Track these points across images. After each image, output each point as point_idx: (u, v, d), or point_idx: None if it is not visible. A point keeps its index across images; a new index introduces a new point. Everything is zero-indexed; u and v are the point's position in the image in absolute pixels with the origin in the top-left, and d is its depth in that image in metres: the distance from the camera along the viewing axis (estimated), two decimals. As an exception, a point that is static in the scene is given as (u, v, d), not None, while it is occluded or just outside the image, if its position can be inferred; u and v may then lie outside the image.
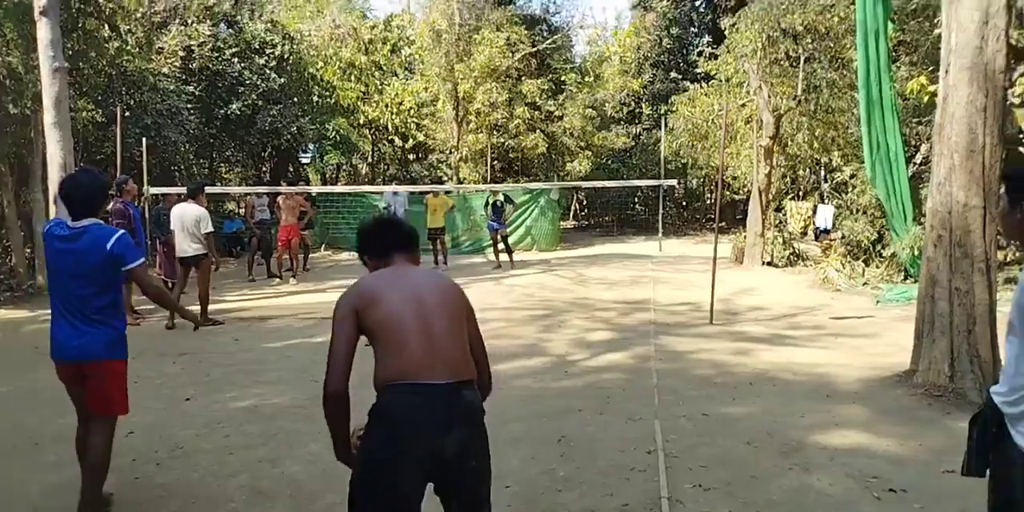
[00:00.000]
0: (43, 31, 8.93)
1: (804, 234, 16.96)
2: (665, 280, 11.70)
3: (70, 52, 10.07)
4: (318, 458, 4.20)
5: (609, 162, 22.66)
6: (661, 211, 17.46)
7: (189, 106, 15.19)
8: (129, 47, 13.59)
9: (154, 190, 12.06)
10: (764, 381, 5.81)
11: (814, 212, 16.93)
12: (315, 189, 16.58)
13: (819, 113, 13.79)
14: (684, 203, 24.54)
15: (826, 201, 16.55)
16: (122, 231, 3.35)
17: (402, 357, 2.21)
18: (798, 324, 8.20)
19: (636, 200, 23.37)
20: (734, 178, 16.96)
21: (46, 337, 3.40)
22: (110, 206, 8.83)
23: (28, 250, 11.45)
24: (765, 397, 5.38)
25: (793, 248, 13.69)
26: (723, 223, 17.44)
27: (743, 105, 15.47)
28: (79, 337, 3.28)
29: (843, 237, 12.87)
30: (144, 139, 11.97)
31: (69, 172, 9.06)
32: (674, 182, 17.78)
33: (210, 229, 8.28)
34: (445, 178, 21.91)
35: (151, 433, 4.66)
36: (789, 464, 4.09)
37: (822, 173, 17.87)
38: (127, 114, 12.16)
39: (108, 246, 3.25)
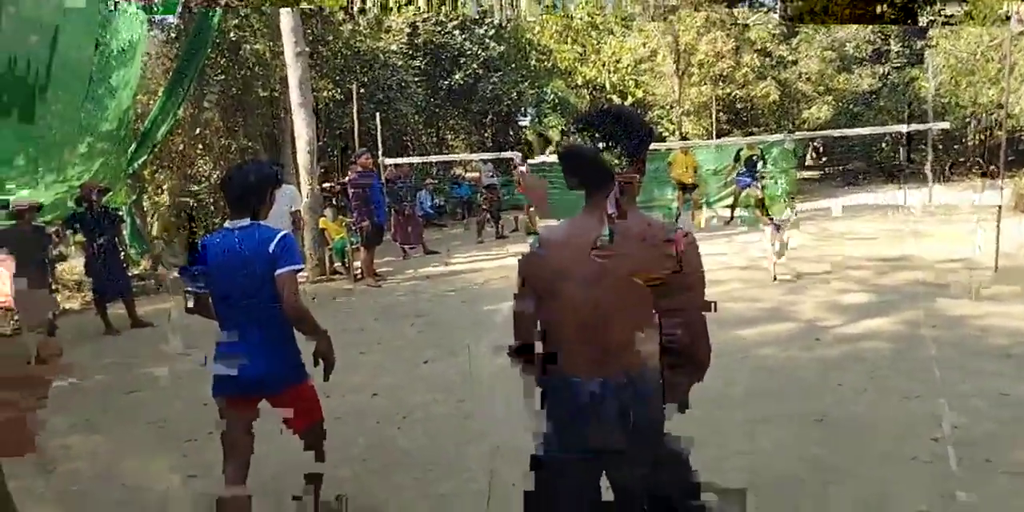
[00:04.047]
0: (285, 19, 9.55)
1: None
2: (928, 233, 10.27)
3: (309, 37, 10.77)
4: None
5: (851, 106, 20.52)
6: (930, 157, 15.34)
7: (416, 79, 15.93)
8: (361, 28, 14.41)
9: (389, 160, 12.69)
10: (1078, 354, 4.78)
11: None
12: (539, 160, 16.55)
13: (1124, 32, 11.33)
14: (942, 146, 21.61)
15: None
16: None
17: (557, 346, 2.13)
18: (1115, 284, 6.75)
19: (884, 145, 21.00)
20: (1009, 116, 14.56)
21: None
22: (348, 178, 9.41)
23: (283, 222, 12.55)
24: (1083, 374, 4.41)
25: (1097, 191, 11.47)
26: (993, 167, 15.08)
27: (1022, 34, 13.13)
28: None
29: None
30: (378, 114, 12.60)
31: (315, 148, 9.74)
32: (947, 125, 15.38)
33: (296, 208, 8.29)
34: (666, 134, 21.08)
35: (393, 396, 4.78)
36: None
37: None
38: (361, 91, 12.85)
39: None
